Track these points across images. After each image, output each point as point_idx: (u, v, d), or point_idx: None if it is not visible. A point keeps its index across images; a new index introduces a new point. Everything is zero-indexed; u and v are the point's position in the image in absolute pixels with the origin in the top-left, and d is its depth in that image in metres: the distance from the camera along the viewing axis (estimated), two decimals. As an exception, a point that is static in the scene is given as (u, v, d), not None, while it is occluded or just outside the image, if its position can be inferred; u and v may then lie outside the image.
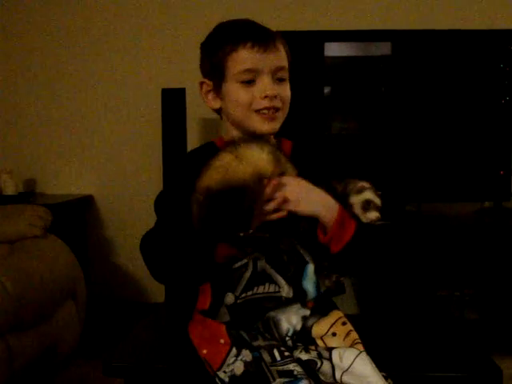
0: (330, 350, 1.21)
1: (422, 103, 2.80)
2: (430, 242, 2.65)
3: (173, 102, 2.73)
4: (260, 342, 1.23)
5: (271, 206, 1.21)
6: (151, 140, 3.11)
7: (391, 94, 2.81)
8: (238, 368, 1.19)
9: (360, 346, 1.21)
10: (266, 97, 1.29)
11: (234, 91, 1.32)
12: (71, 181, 3.25)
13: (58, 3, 3.19)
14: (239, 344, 1.22)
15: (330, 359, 1.19)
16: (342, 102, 2.85)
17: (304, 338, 1.26)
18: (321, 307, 1.30)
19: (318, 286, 1.29)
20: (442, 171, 2.81)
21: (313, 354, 1.21)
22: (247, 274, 1.27)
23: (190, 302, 1.34)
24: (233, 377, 1.18)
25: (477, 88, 2.79)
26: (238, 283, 1.27)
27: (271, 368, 1.17)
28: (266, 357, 1.19)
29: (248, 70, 1.29)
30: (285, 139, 1.42)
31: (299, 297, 1.28)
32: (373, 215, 1.24)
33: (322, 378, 1.18)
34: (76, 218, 3.11)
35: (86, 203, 3.20)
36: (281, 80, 1.33)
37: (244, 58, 1.29)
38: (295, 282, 1.28)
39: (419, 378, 1.34)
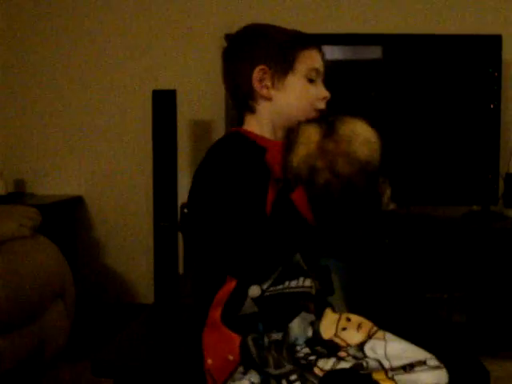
0: (360, 348, 1.15)
1: (412, 107, 2.82)
2: (418, 244, 2.67)
3: (163, 103, 2.73)
4: (270, 370, 1.14)
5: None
6: (141, 141, 3.11)
7: (381, 98, 2.82)
8: None
9: (380, 333, 1.17)
10: (324, 98, 1.39)
11: (302, 85, 1.35)
12: (61, 181, 3.24)
13: (48, 4, 3.18)
14: (248, 364, 1.16)
15: (366, 357, 1.13)
16: (333, 106, 2.86)
17: (318, 342, 1.18)
18: (316, 308, 1.24)
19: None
20: (430, 175, 2.83)
21: (349, 360, 1.13)
22: (279, 267, 1.20)
23: (206, 302, 1.24)
24: None
25: (466, 92, 2.81)
26: (266, 275, 1.19)
27: None
28: None
29: (315, 70, 1.36)
30: None
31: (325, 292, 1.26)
32: (391, 206, 1.36)
33: (374, 375, 1.10)
34: (65, 219, 3.10)
35: (75, 204, 3.18)
36: None
37: (315, 57, 1.36)
38: (322, 276, 1.26)
39: (407, 379, 1.34)
